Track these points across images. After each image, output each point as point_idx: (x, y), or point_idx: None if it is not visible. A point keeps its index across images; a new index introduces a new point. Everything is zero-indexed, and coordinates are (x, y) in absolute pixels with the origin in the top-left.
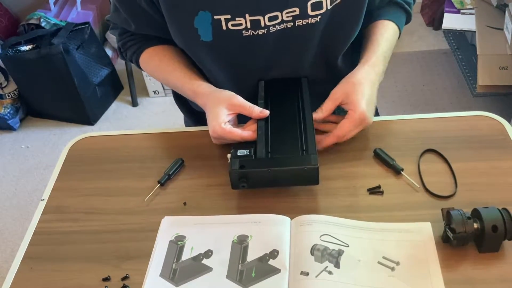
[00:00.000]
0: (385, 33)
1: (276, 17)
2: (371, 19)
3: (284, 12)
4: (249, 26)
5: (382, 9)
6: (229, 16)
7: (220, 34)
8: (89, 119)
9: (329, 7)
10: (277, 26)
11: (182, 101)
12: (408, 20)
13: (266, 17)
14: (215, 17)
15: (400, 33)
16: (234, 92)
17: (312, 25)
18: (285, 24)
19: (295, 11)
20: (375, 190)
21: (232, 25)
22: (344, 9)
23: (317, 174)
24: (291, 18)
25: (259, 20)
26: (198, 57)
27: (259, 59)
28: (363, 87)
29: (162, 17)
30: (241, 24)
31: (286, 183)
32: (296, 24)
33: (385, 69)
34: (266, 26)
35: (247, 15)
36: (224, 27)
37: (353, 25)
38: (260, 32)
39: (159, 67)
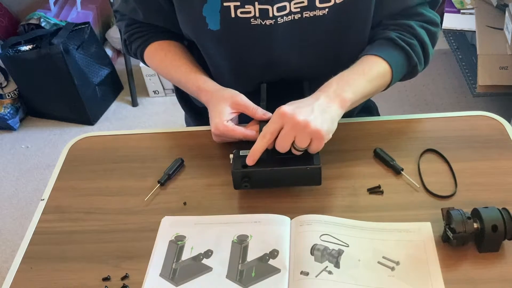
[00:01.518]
0: (362, 66)
1: (284, 8)
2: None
3: (292, 3)
4: (257, 14)
5: (375, 45)
6: (238, 3)
7: (228, 23)
8: (89, 119)
9: (337, 1)
10: (285, 18)
11: (184, 98)
12: (412, 69)
13: (275, 7)
14: (225, 4)
15: (393, 74)
16: (236, 87)
17: (320, 18)
18: (292, 15)
19: (303, 2)
20: (375, 190)
21: (241, 12)
22: (353, 6)
23: (320, 174)
24: (299, 10)
25: (267, 9)
26: (204, 46)
27: (265, 51)
28: (300, 104)
29: (171, 5)
30: (250, 12)
31: (288, 183)
32: (304, 15)
33: (354, 97)
34: (274, 17)
35: (256, 3)
36: (232, 15)
37: (361, 25)
38: (268, 22)
39: (163, 62)
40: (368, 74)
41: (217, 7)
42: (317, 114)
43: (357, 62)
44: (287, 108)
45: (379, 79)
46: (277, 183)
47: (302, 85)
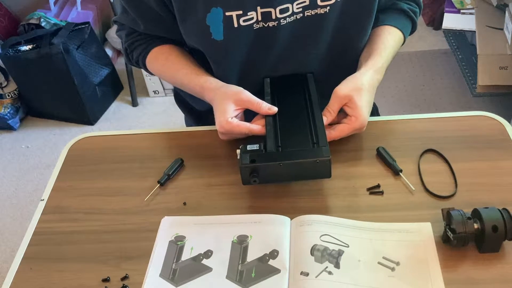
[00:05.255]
0: (391, 40)
1: (287, 9)
2: (377, 23)
3: (295, 3)
4: (260, 18)
5: (388, 15)
6: (240, 12)
7: (231, 33)
8: (89, 119)
9: None
10: (287, 19)
11: (182, 102)
12: (413, 30)
13: (278, 9)
14: (227, 13)
15: (404, 42)
16: (243, 88)
17: (322, 16)
18: (295, 16)
19: (305, 1)
20: (375, 190)
21: (244, 20)
22: (354, 3)
23: (330, 166)
24: (300, 9)
25: (270, 12)
26: (210, 55)
27: (269, 54)
28: (366, 93)
29: (171, 16)
30: (252, 18)
31: (297, 177)
32: (306, 14)
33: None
34: (277, 19)
35: (258, 8)
36: (235, 24)
37: (364, 21)
38: (270, 24)
39: (165, 66)
40: (392, 45)
41: (220, 16)
42: (369, 109)
43: (380, 33)
44: (366, 122)
45: (397, 48)
46: (286, 178)
47: (305, 77)
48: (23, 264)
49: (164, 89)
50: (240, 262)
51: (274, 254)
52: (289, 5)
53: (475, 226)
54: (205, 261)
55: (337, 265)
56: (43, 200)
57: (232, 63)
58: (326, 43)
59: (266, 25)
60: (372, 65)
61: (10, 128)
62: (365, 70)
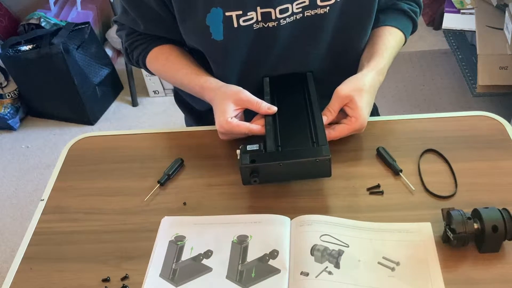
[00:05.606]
0: (392, 41)
1: (287, 9)
2: (378, 23)
3: (294, 4)
4: (259, 18)
5: (389, 15)
6: (240, 12)
7: (231, 33)
8: (89, 119)
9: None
10: (287, 19)
11: (182, 101)
12: (414, 30)
13: (277, 9)
14: (227, 13)
15: (405, 42)
16: (243, 88)
17: (321, 16)
18: (294, 16)
19: (304, 1)
20: (375, 190)
21: (244, 21)
22: (354, 3)
23: (330, 166)
24: (300, 9)
25: (270, 12)
26: (210, 55)
27: (269, 54)
28: (367, 95)
29: (171, 16)
30: (252, 18)
31: (297, 176)
32: (305, 14)
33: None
34: (277, 19)
35: (258, 8)
36: (235, 25)
37: (364, 21)
38: (270, 24)
39: (165, 66)
40: (393, 46)
41: (220, 17)
42: (369, 110)
43: (381, 34)
44: (366, 122)
45: (398, 48)
46: (286, 177)
47: (305, 76)
48: (23, 264)
49: (164, 89)
50: (240, 262)
51: (274, 254)
52: (289, 5)
53: (475, 226)
54: (205, 261)
55: (337, 265)
56: (43, 200)
57: (232, 63)
58: (326, 43)
59: (266, 25)
60: (374, 66)
61: (10, 128)
62: (367, 71)
